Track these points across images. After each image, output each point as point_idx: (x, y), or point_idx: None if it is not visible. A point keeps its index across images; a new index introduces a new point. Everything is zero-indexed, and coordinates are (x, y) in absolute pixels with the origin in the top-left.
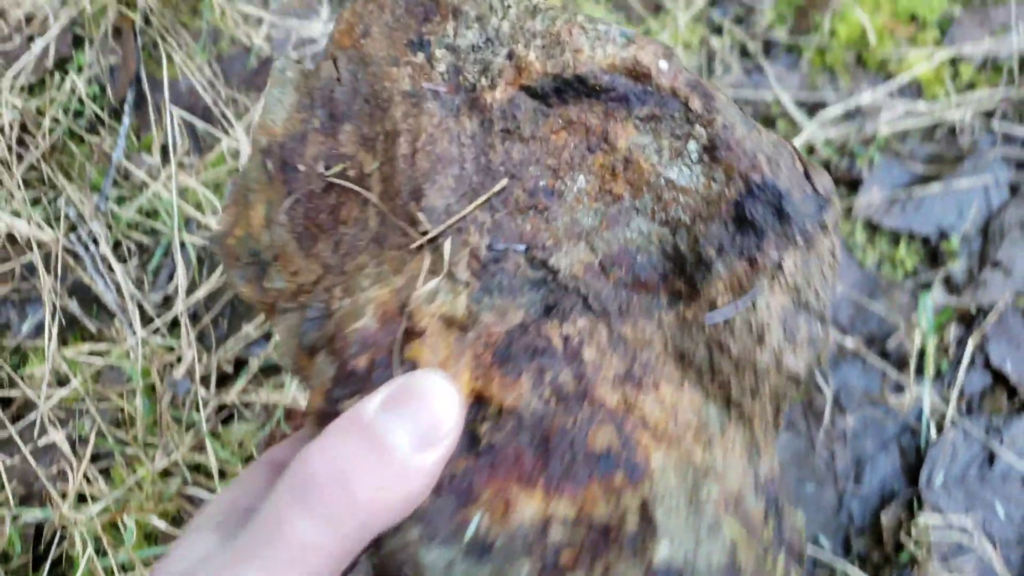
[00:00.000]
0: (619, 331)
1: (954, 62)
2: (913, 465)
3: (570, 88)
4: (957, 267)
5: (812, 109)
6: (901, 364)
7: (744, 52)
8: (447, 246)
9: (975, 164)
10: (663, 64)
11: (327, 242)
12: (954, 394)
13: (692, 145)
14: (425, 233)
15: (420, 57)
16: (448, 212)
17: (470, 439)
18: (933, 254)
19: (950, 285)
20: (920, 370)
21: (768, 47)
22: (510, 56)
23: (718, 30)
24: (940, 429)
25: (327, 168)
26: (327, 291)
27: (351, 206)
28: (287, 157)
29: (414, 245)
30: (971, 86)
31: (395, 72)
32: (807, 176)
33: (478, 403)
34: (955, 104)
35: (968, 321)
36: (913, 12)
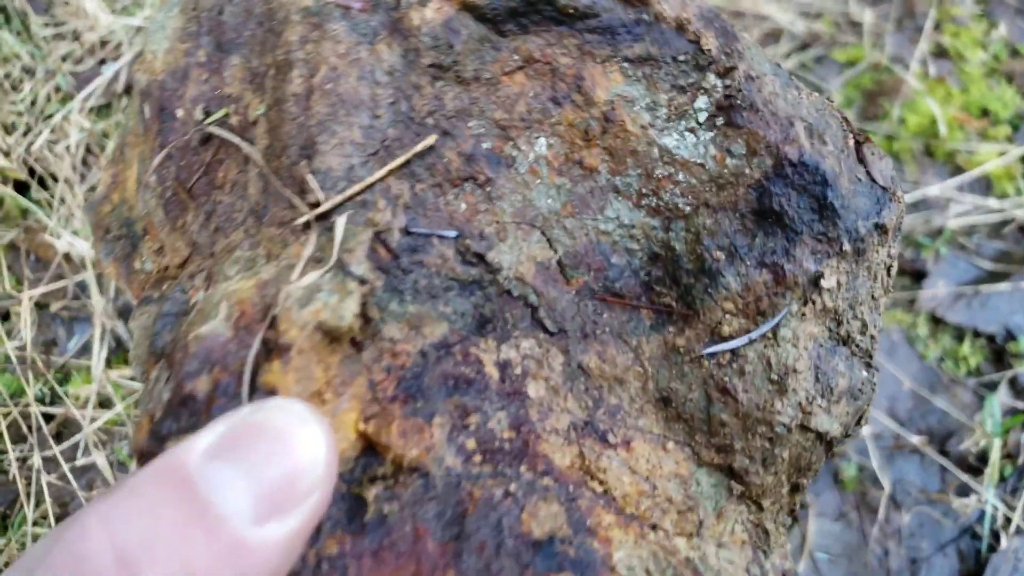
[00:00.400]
0: (580, 360)
1: None
2: (972, 571)
3: (533, 9)
4: None
5: None
6: (962, 464)
7: None
8: (340, 225)
9: None
10: None
11: (197, 213)
12: (1021, 503)
13: (702, 102)
14: (315, 205)
15: None
16: (350, 178)
17: (351, 507)
18: (998, 353)
19: (1016, 388)
20: (981, 472)
21: None
22: None
23: None
24: (1000, 536)
25: (207, 115)
26: (191, 278)
27: (230, 165)
28: (165, 101)
29: (299, 221)
30: None
31: None
32: (861, 158)
33: (368, 454)
34: None
35: None
36: (985, 106)
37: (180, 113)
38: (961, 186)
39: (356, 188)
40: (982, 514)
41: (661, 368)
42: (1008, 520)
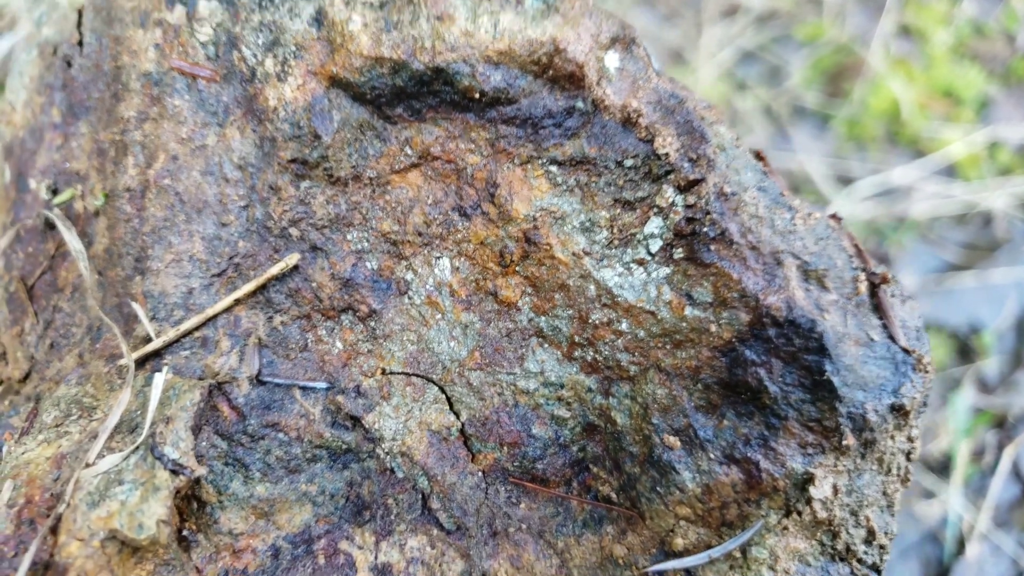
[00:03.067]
0: (486, 569)
1: (990, 144)
2: None
3: (427, 89)
4: (990, 366)
5: (838, 181)
6: (926, 466)
7: (769, 114)
8: (157, 382)
9: (1011, 255)
10: (612, 60)
11: (36, 320)
12: (986, 504)
13: (654, 225)
14: (147, 341)
15: (177, 12)
16: (187, 305)
17: None
18: (963, 348)
19: (982, 384)
20: (945, 473)
21: (795, 112)
22: (318, 18)
23: (743, 89)
24: (966, 541)
25: (53, 193)
26: (27, 401)
27: (72, 264)
28: (23, 166)
29: (122, 363)
30: (1008, 171)
31: (138, 37)
32: (877, 305)
33: None
34: (991, 189)
35: (1002, 425)
36: (949, 88)
37: (32, 184)
38: (925, 172)
39: (194, 321)
40: (945, 519)
41: None
42: (972, 526)
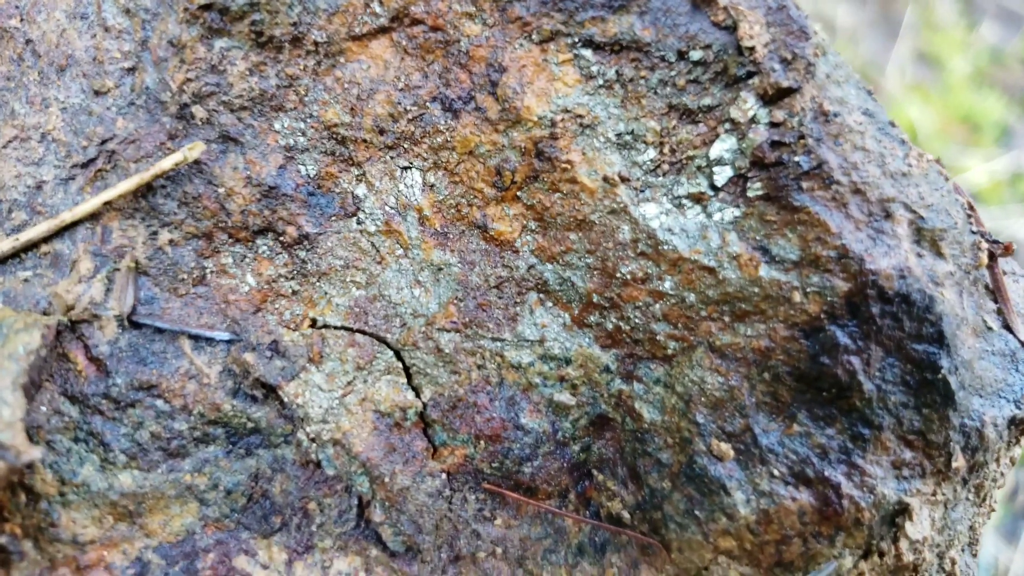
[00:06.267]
0: None
1: (1012, 174)
2: None
3: None
4: None
5: None
6: None
7: None
8: None
9: None
10: None
11: None
12: (1021, 546)
13: (725, 146)
14: None
15: None
16: (33, 205)
17: None
18: None
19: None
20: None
21: None
22: None
23: None
24: None
25: None
26: None
27: None
28: None
29: None
30: None
31: None
32: (996, 285)
33: None
34: (1013, 216)
35: None
36: (968, 114)
37: None
38: None
39: (42, 228)
40: (979, 562)
41: None
42: (1008, 568)
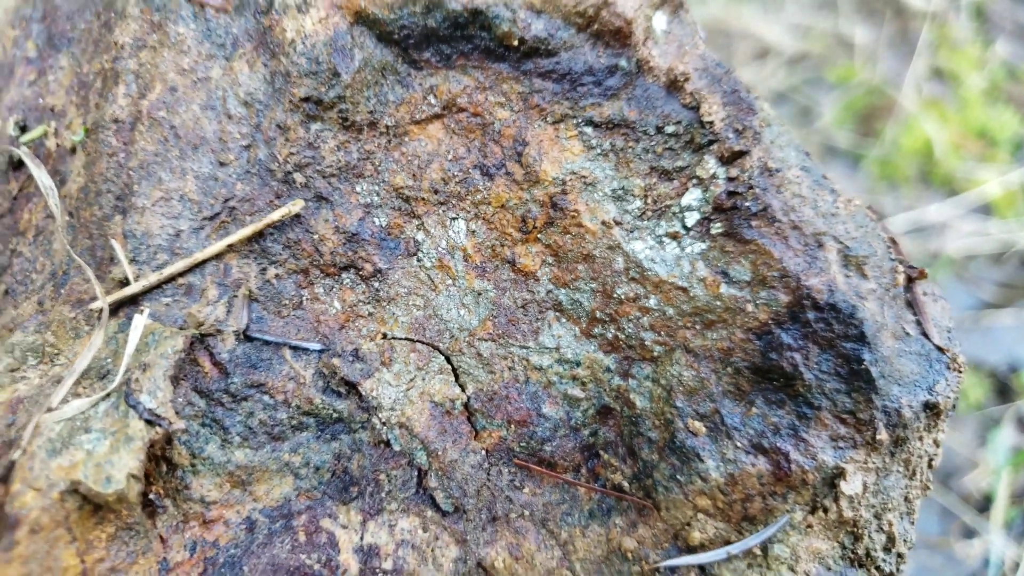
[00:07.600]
0: (482, 557)
1: None
2: None
3: (460, 34)
4: None
5: None
6: (967, 503)
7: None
8: (137, 325)
9: None
10: (660, 21)
11: None
12: None
13: (693, 196)
14: (124, 283)
15: None
16: (173, 249)
17: None
18: (1002, 388)
19: (1022, 423)
20: (986, 511)
21: (827, 151)
22: None
23: None
24: None
25: (22, 130)
26: None
27: (37, 206)
28: None
29: (94, 306)
30: None
31: None
32: (912, 301)
33: None
34: None
35: None
36: (983, 129)
37: None
38: (960, 210)
39: (179, 266)
40: (987, 560)
41: None
42: (1017, 565)
